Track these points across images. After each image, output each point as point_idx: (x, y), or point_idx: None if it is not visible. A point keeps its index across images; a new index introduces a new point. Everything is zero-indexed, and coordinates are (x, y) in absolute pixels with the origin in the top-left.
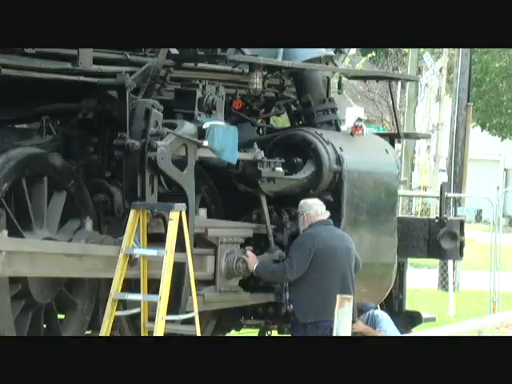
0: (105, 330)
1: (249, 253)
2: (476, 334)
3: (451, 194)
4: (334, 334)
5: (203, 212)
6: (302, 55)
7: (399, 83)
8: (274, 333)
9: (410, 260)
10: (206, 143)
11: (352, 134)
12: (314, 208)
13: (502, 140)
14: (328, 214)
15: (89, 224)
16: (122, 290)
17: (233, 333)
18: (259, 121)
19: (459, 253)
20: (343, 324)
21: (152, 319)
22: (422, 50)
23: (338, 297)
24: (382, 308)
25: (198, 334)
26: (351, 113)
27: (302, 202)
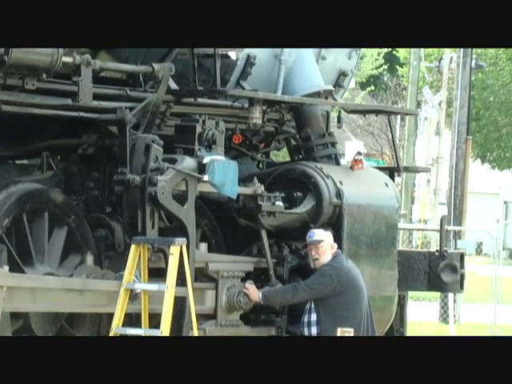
0: None
1: (248, 285)
2: None
3: (451, 227)
4: None
5: (204, 246)
6: (302, 89)
7: (399, 117)
8: None
9: (410, 293)
10: (206, 178)
11: (352, 167)
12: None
13: (502, 170)
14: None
15: (90, 259)
16: (123, 325)
17: None
18: (259, 155)
19: (460, 285)
20: None
21: None
22: (421, 83)
23: (339, 330)
24: None
25: None
26: (351, 147)
27: (322, 231)
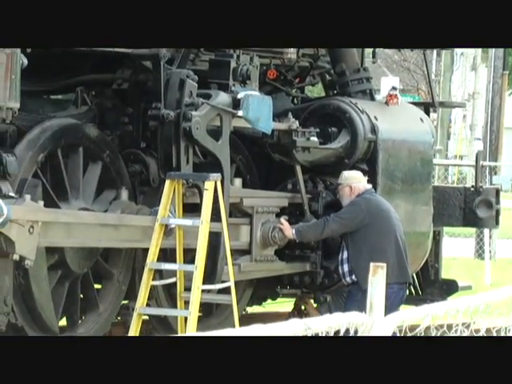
0: (141, 300)
1: (283, 221)
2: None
3: (487, 163)
4: (368, 301)
5: (238, 182)
6: None
7: (434, 52)
8: (311, 302)
9: (446, 229)
10: (240, 113)
11: (387, 103)
12: (362, 182)
13: None
14: (370, 185)
15: (124, 194)
16: (158, 260)
17: (269, 302)
18: (294, 90)
19: (495, 221)
20: (377, 291)
21: (188, 289)
22: None
23: (372, 265)
24: (417, 277)
25: (234, 303)
26: (386, 82)
27: (347, 173)
